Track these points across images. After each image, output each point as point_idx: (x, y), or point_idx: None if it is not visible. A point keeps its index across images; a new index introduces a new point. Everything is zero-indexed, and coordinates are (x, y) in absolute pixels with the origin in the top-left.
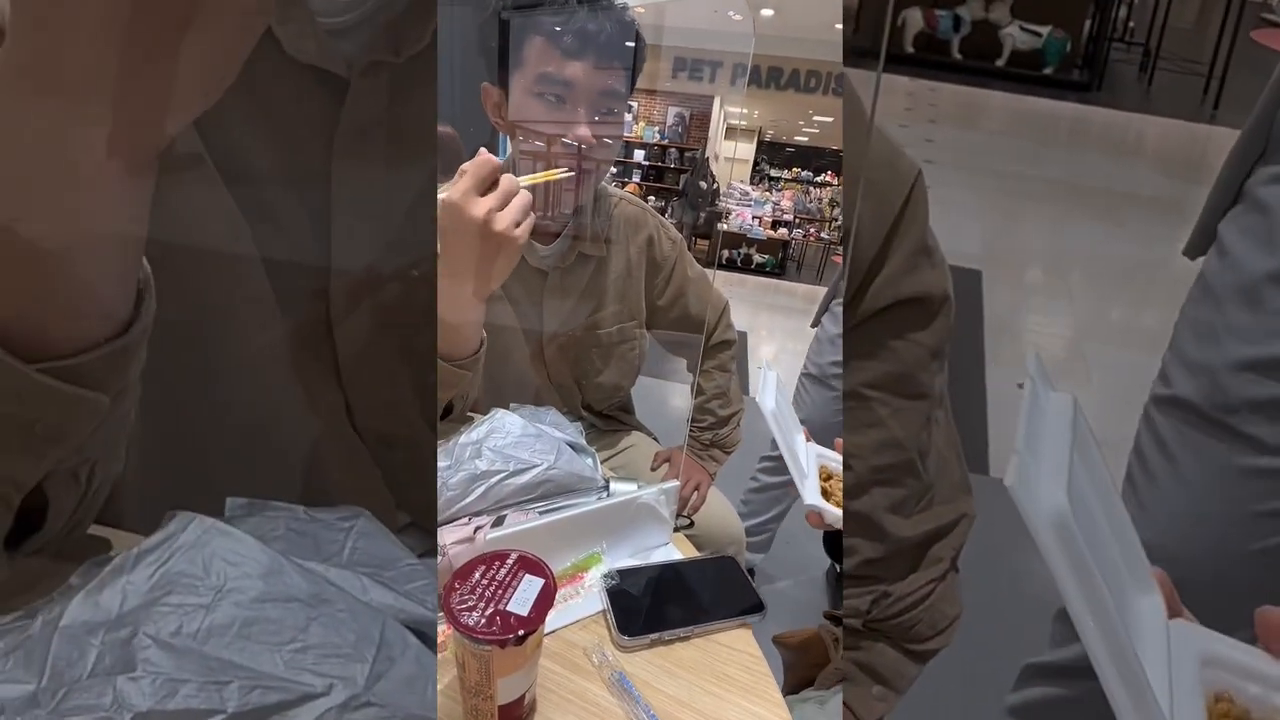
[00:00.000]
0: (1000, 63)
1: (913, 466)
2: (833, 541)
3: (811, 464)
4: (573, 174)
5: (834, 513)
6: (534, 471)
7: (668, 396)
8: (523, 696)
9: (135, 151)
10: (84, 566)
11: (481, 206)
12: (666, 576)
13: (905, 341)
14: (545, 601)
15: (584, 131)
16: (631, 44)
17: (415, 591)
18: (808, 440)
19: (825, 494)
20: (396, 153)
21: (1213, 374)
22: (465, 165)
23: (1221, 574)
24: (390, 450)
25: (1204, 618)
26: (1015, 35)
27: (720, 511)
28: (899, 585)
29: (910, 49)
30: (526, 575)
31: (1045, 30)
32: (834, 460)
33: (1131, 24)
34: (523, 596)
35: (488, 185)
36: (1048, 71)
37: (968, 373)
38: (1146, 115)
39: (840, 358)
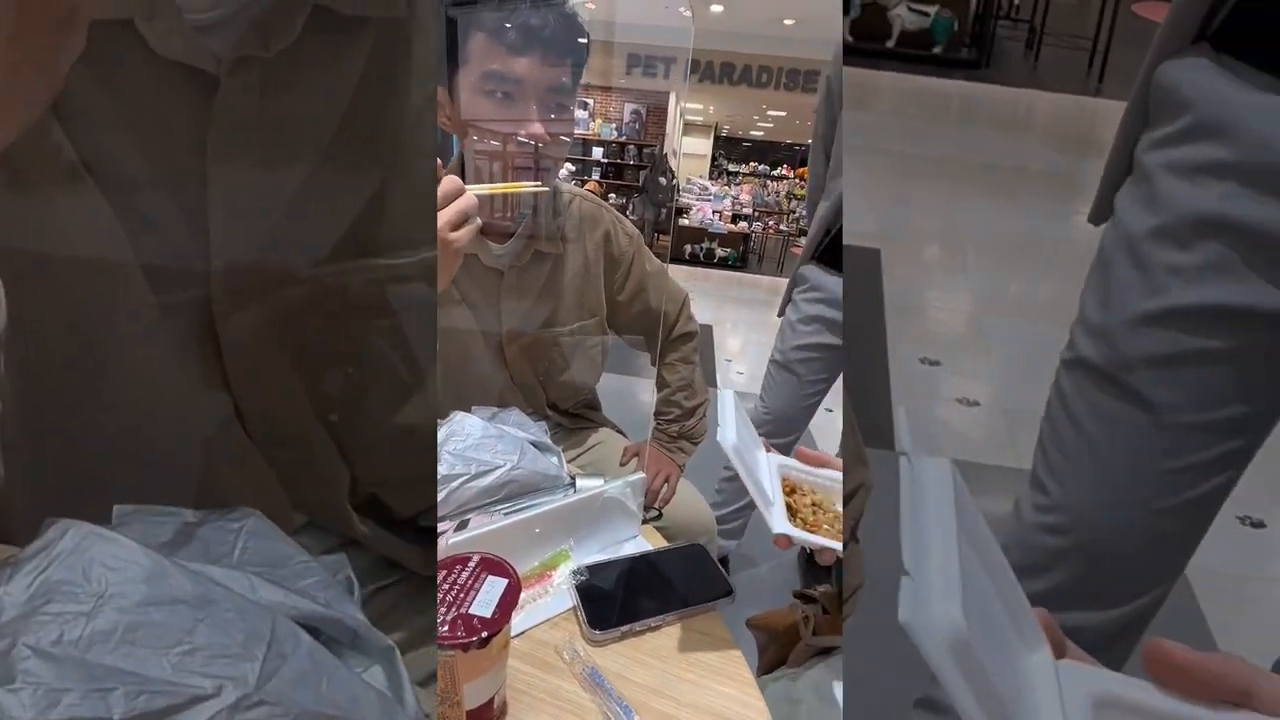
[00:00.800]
0: (890, 44)
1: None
2: None
3: (775, 484)
4: (545, 188)
5: (802, 536)
6: (497, 473)
7: (637, 392)
8: (491, 700)
9: None
10: None
11: None
12: (636, 569)
13: None
14: (510, 601)
15: (538, 129)
16: (577, 38)
17: (308, 588)
18: (768, 452)
19: (791, 511)
20: (273, 149)
21: (1109, 333)
22: None
23: (1131, 534)
24: (283, 450)
25: (1117, 582)
26: (904, 16)
27: (690, 501)
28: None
29: None
30: (489, 576)
31: (933, 10)
32: (796, 469)
33: (1016, 1)
34: (486, 598)
35: None
36: (937, 51)
37: (870, 350)
38: (1035, 90)
39: (803, 343)
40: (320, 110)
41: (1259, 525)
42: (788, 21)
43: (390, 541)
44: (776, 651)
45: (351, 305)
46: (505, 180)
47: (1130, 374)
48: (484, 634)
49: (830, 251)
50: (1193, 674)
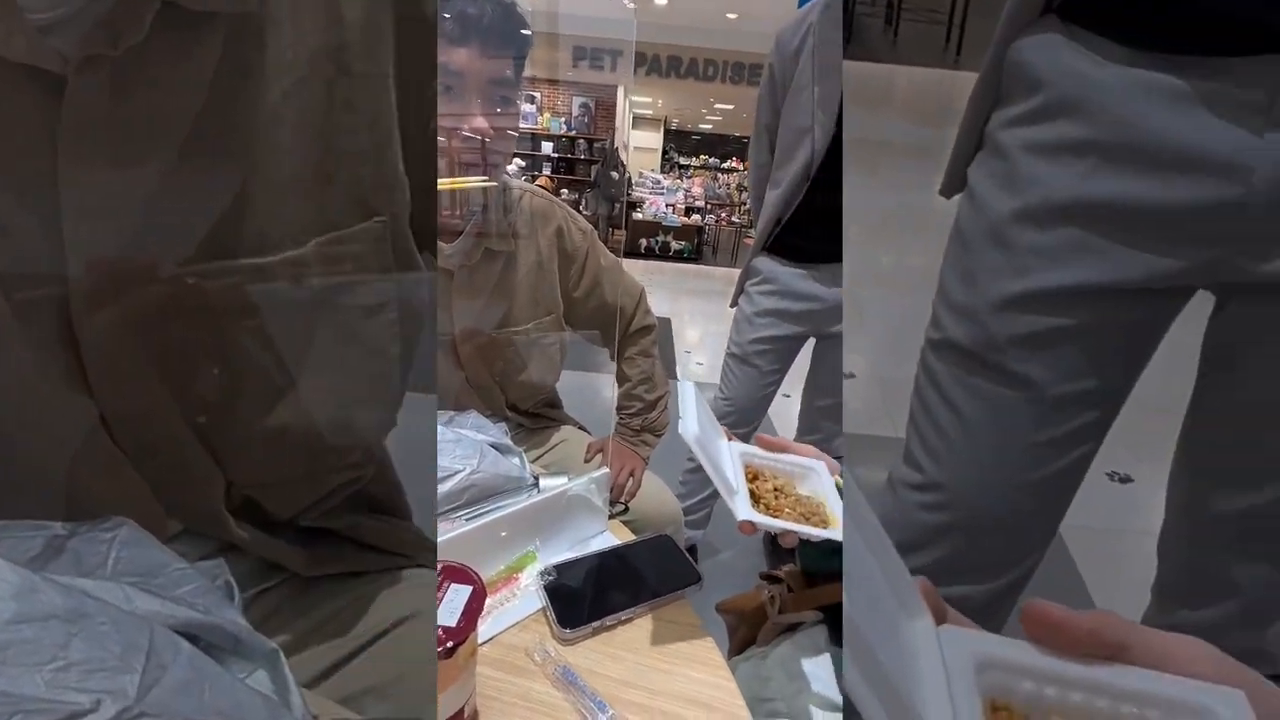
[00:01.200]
0: None
1: None
2: None
3: (738, 471)
4: (494, 183)
5: (765, 521)
6: (457, 478)
7: (598, 388)
8: (461, 710)
9: None
10: None
11: None
12: (605, 564)
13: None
14: (475, 609)
15: (482, 124)
16: (518, 29)
17: (186, 596)
18: (730, 440)
19: (754, 497)
20: (125, 149)
21: (975, 315)
22: None
23: (1005, 508)
24: (153, 456)
25: (995, 555)
26: None
27: (656, 494)
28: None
29: None
30: (452, 584)
31: None
32: (757, 456)
33: None
34: (450, 607)
35: None
36: None
37: None
38: (895, 65)
39: (759, 336)
40: (172, 108)
41: (1126, 480)
42: (730, 15)
43: (270, 544)
44: (746, 632)
45: (215, 305)
46: (451, 176)
47: (998, 354)
48: (449, 644)
49: (781, 241)
50: (1069, 632)
